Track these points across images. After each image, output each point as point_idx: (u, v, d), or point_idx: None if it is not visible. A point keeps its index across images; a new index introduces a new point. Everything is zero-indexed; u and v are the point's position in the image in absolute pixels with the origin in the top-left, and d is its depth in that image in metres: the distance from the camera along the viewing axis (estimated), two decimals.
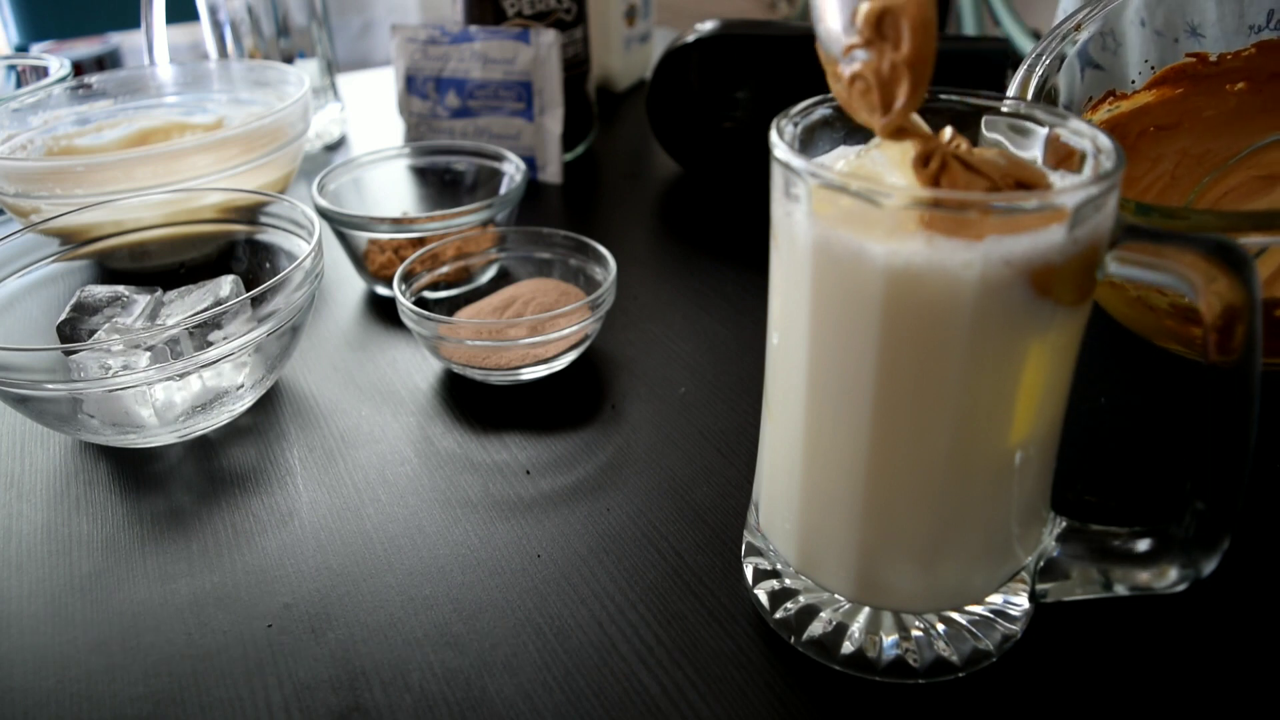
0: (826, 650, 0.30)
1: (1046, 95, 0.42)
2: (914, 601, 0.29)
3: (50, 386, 0.37)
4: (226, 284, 0.44)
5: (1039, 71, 0.43)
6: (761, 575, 0.32)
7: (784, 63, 0.63)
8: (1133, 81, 0.53)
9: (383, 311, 0.54)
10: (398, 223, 0.51)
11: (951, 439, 0.26)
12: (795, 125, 0.28)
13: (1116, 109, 0.44)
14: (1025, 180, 0.24)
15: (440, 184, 0.61)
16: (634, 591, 0.34)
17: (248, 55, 0.75)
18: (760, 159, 0.27)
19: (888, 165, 0.26)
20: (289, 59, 0.76)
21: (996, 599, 0.30)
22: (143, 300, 0.43)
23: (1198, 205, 0.41)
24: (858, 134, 0.28)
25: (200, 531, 0.37)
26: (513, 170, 0.56)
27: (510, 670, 0.31)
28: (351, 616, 0.33)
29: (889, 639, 0.29)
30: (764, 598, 0.32)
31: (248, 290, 0.43)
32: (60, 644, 0.32)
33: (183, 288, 0.45)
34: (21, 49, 1.34)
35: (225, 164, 0.54)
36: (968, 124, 0.28)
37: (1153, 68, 0.50)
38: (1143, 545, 0.28)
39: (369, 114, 0.89)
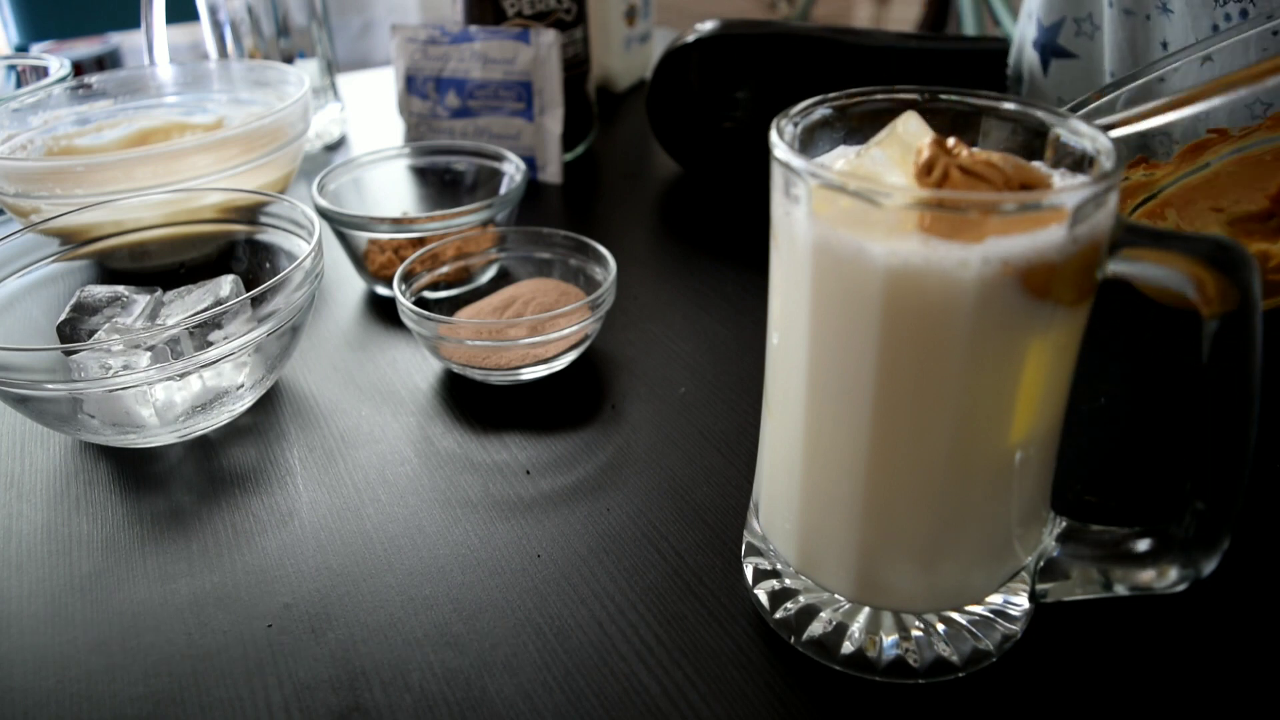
0: (826, 650, 0.30)
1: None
2: (914, 601, 0.29)
3: (50, 386, 0.37)
4: (226, 284, 0.44)
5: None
6: (761, 575, 0.32)
7: (784, 63, 0.63)
8: (1111, 74, 0.53)
9: (383, 311, 0.54)
10: (398, 223, 0.51)
11: (952, 439, 0.26)
12: (795, 125, 0.28)
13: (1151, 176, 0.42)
14: (1027, 182, 0.24)
15: (440, 184, 0.61)
16: (634, 591, 0.34)
17: (248, 55, 0.75)
18: (760, 159, 0.27)
19: (887, 164, 0.26)
20: (289, 59, 0.76)
21: (996, 599, 0.30)
22: (142, 300, 0.43)
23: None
24: (858, 134, 0.28)
25: (200, 531, 0.37)
26: (513, 170, 0.56)
27: (510, 670, 0.31)
28: (351, 616, 0.33)
29: (889, 639, 0.29)
30: (764, 598, 0.32)
31: (248, 290, 0.43)
32: (60, 644, 0.32)
33: (182, 288, 0.45)
34: (21, 49, 1.34)
35: (225, 164, 0.54)
36: (968, 124, 0.28)
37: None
38: (1143, 545, 0.28)
39: (369, 114, 0.89)
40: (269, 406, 0.45)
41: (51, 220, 0.47)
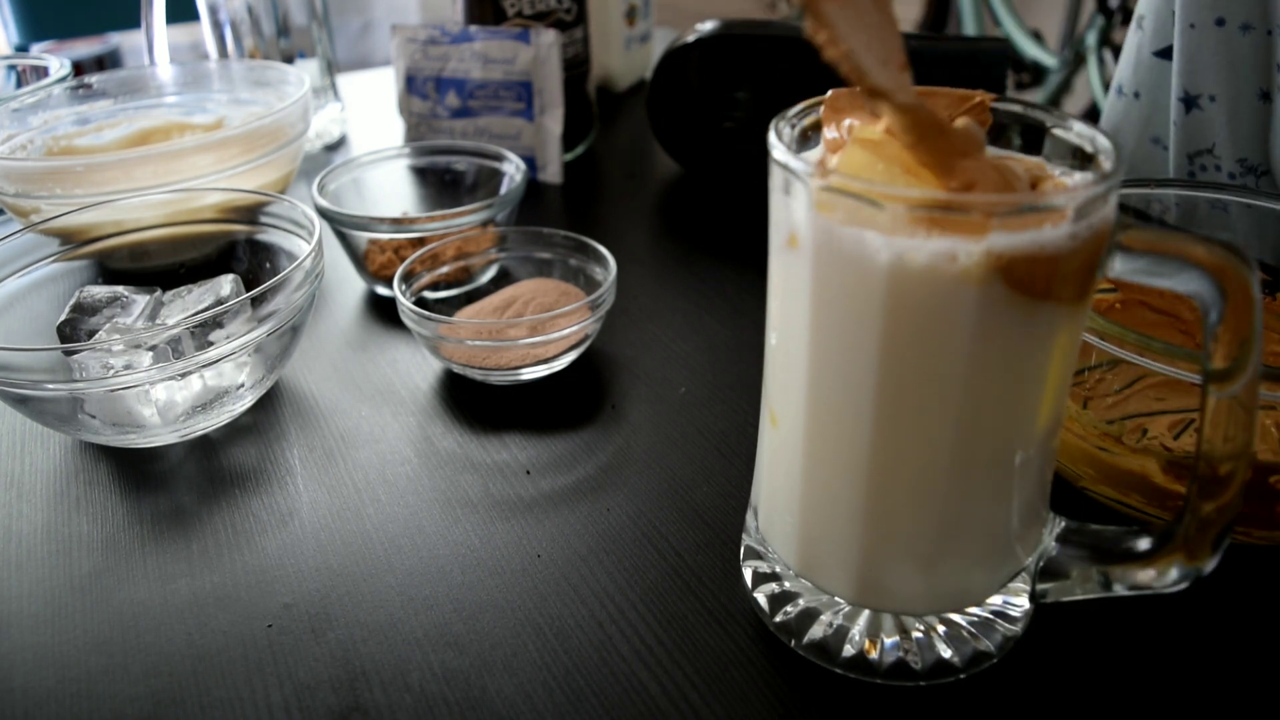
0: (827, 653, 0.30)
1: None
2: (915, 603, 0.29)
3: (51, 386, 0.37)
4: (226, 283, 0.44)
5: None
6: (761, 579, 0.32)
7: (784, 63, 0.63)
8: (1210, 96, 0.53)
9: (383, 311, 0.54)
10: (398, 223, 0.51)
11: (953, 438, 0.26)
12: (793, 126, 0.28)
13: None
14: (1034, 181, 0.24)
15: (440, 184, 0.61)
16: (634, 591, 0.34)
17: (248, 55, 0.75)
18: (760, 159, 0.27)
19: (879, 161, 0.26)
20: (289, 59, 0.76)
21: (997, 600, 0.30)
22: (142, 300, 0.43)
23: None
24: None
25: (200, 531, 0.37)
26: (513, 170, 0.56)
27: (510, 670, 0.31)
28: (351, 616, 0.33)
29: (890, 641, 0.29)
30: (764, 601, 0.32)
31: (248, 290, 0.43)
32: (60, 644, 0.32)
33: (181, 288, 0.45)
34: (21, 49, 1.34)
35: (225, 164, 0.54)
36: None
37: None
38: (1143, 544, 0.28)
39: (369, 114, 0.89)
40: (269, 406, 0.45)
41: (51, 220, 0.47)
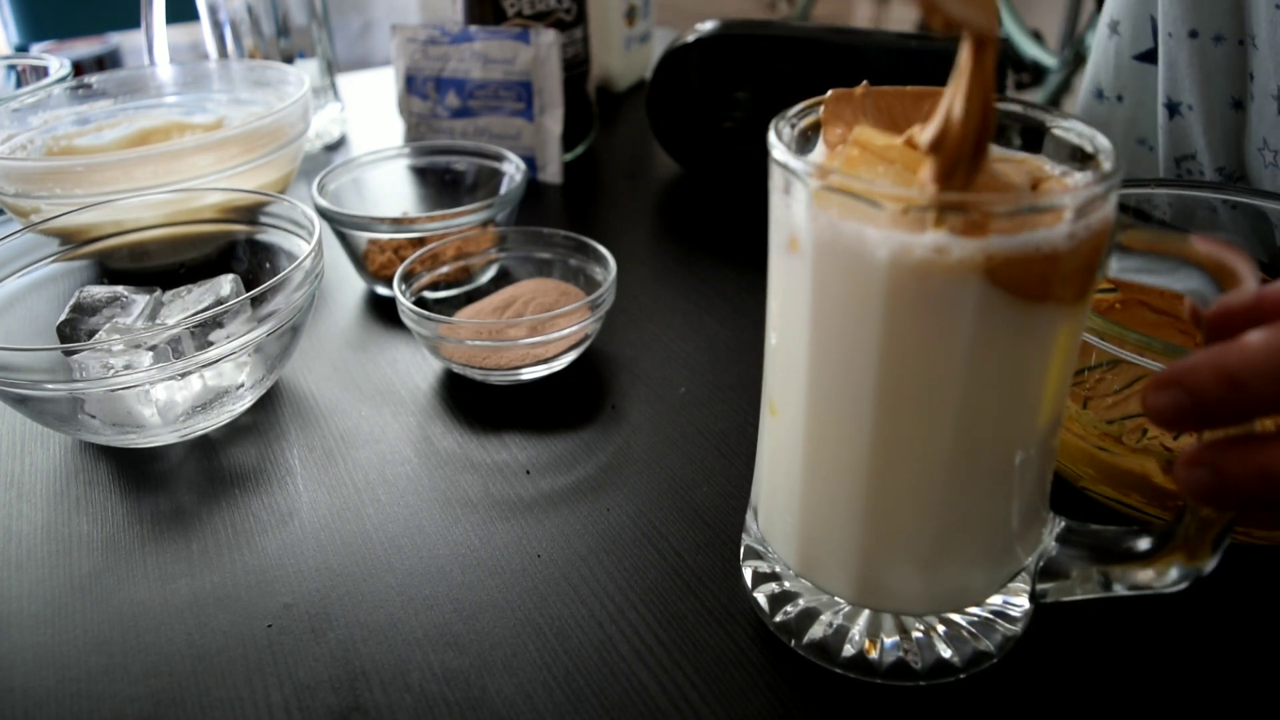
0: (827, 653, 0.30)
1: None
2: (915, 603, 0.29)
3: (50, 386, 0.37)
4: (226, 283, 0.44)
5: None
6: (761, 578, 0.32)
7: (784, 63, 0.63)
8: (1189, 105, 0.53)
9: (383, 311, 0.54)
10: (398, 223, 0.51)
11: (953, 439, 0.26)
12: (793, 126, 0.28)
13: None
14: (1035, 181, 0.24)
15: (440, 184, 0.61)
16: (634, 591, 0.34)
17: (248, 55, 0.75)
18: (760, 159, 0.27)
19: (880, 163, 0.26)
20: (289, 59, 0.76)
21: (997, 600, 0.30)
22: (141, 300, 0.43)
23: None
24: None
25: (200, 531, 0.37)
26: (513, 170, 0.56)
27: (510, 670, 0.31)
28: (351, 616, 0.33)
29: (890, 641, 0.29)
30: (763, 601, 0.32)
31: (248, 290, 0.43)
32: (60, 644, 0.32)
33: (180, 288, 0.45)
34: (21, 49, 1.34)
35: (225, 164, 0.54)
36: None
37: None
38: (1142, 544, 0.28)
39: (369, 114, 0.89)
40: (269, 406, 0.45)
41: (51, 220, 0.47)
